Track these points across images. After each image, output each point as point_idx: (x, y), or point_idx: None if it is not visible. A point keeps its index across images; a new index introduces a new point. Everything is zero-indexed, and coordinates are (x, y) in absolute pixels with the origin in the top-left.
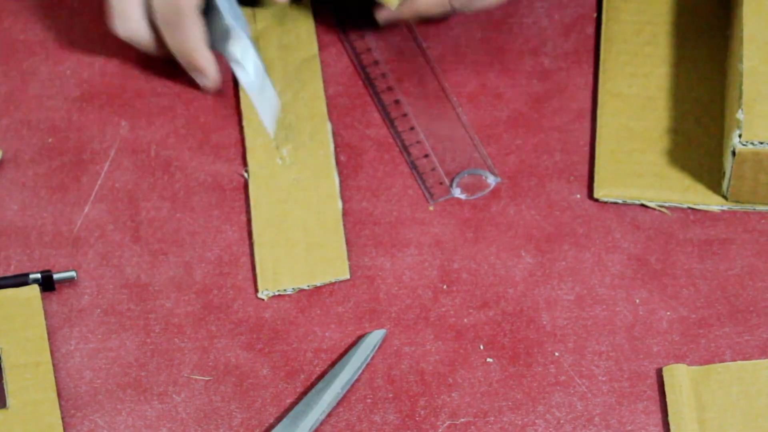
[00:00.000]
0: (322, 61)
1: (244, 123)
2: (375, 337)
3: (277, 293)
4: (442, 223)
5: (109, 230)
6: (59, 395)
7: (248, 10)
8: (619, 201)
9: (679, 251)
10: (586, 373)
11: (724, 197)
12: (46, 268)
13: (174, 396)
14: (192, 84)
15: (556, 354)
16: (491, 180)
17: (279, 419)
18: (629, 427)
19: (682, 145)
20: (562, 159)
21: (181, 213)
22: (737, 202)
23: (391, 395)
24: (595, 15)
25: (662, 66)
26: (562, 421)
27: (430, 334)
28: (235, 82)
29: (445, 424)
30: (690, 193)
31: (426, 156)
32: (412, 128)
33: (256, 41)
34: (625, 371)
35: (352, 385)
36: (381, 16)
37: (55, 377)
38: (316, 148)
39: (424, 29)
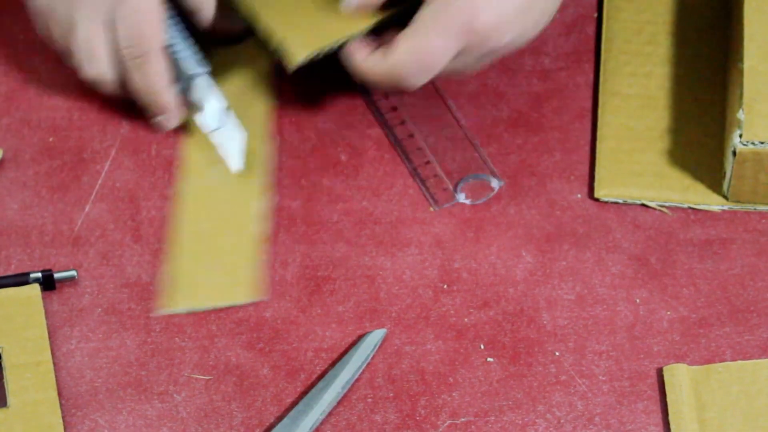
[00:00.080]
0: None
1: (183, 136)
2: (375, 336)
3: (173, 312)
4: (443, 223)
5: (109, 229)
6: (60, 394)
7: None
8: (620, 201)
9: (679, 251)
10: (586, 372)
11: (725, 197)
12: (47, 267)
13: (174, 395)
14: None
15: (557, 353)
16: (495, 184)
17: (279, 418)
18: (629, 427)
19: (682, 144)
20: (563, 158)
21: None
22: (738, 201)
23: (391, 395)
24: (595, 15)
25: (663, 65)
26: (562, 421)
27: (430, 333)
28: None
29: (445, 424)
30: (690, 193)
31: (427, 163)
32: (411, 135)
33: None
34: (626, 371)
35: (353, 385)
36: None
37: (56, 376)
38: (249, 167)
39: None
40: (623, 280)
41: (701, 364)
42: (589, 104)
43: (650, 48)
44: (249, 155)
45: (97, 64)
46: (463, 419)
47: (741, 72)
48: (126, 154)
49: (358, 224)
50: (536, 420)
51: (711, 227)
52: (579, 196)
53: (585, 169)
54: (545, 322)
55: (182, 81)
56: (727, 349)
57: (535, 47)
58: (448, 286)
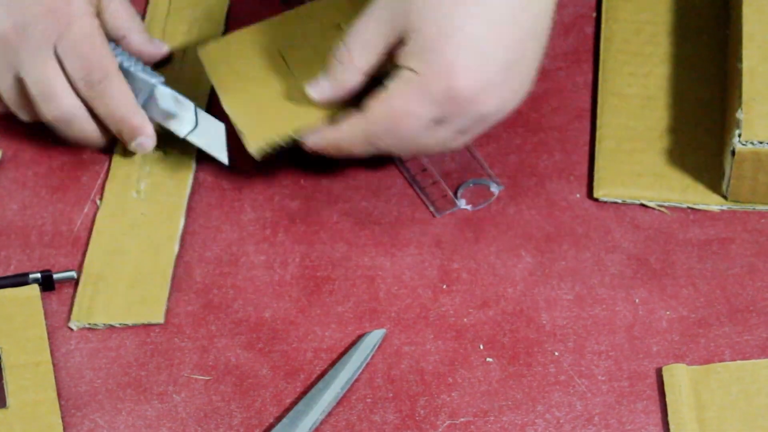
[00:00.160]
0: None
1: (115, 150)
2: (375, 336)
3: (87, 326)
4: (442, 223)
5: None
6: (59, 395)
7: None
8: (619, 201)
9: (678, 251)
10: (585, 372)
11: (724, 197)
12: (46, 267)
13: (174, 395)
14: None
15: (556, 354)
16: (495, 188)
17: (279, 419)
18: (629, 427)
19: (681, 144)
20: (562, 159)
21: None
22: (737, 201)
23: (390, 395)
24: (594, 14)
25: (662, 65)
26: (561, 421)
27: (429, 333)
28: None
29: (445, 424)
30: (690, 193)
31: (424, 170)
32: None
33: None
34: (625, 371)
35: (352, 385)
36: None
37: (55, 377)
38: (174, 187)
39: None
40: (622, 280)
41: (700, 364)
42: (588, 104)
43: (649, 48)
44: (175, 170)
45: (59, 103)
46: (462, 419)
47: (740, 72)
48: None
49: (358, 224)
50: (535, 420)
51: (710, 227)
52: (578, 196)
53: (584, 169)
54: (544, 322)
55: (142, 95)
56: (726, 349)
57: None
58: (447, 286)
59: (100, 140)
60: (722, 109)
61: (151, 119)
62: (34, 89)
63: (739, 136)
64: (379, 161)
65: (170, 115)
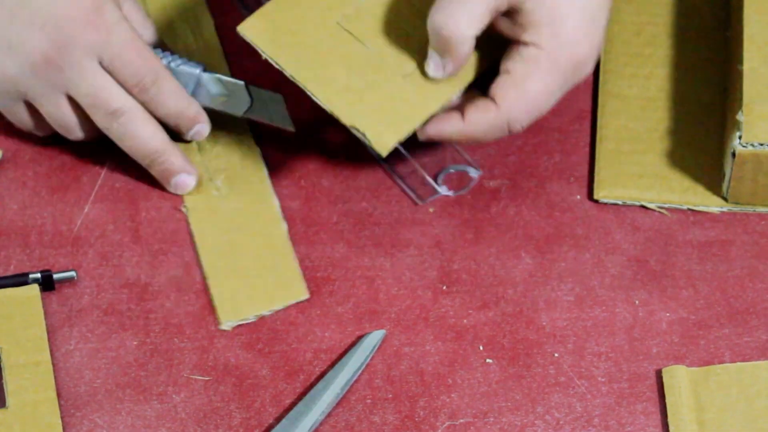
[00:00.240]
0: None
1: None
2: (374, 337)
3: (239, 322)
4: (442, 224)
5: (109, 230)
6: (59, 395)
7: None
8: (619, 202)
9: (678, 253)
10: (585, 374)
11: (724, 199)
12: (46, 267)
13: (173, 396)
14: None
15: (556, 355)
16: (474, 173)
17: (278, 419)
18: (628, 428)
19: (682, 146)
20: (562, 160)
21: (180, 213)
22: (737, 203)
23: (390, 396)
24: None
25: (662, 67)
26: (561, 422)
27: (429, 334)
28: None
29: (444, 425)
30: (690, 195)
31: (402, 160)
32: None
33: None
34: (625, 372)
35: (352, 386)
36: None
37: (55, 377)
38: (249, 173)
39: None
40: (622, 282)
41: (700, 365)
42: (588, 105)
43: (650, 49)
44: (243, 158)
45: (114, 107)
46: (462, 420)
47: (741, 74)
48: (125, 155)
49: (358, 225)
50: (535, 421)
51: (710, 229)
52: (578, 197)
53: (584, 170)
54: (544, 323)
55: (189, 86)
56: (726, 350)
57: None
58: (447, 287)
59: (162, 136)
60: (723, 111)
61: (203, 106)
62: (86, 101)
63: (740, 138)
64: (378, 162)
65: (223, 97)
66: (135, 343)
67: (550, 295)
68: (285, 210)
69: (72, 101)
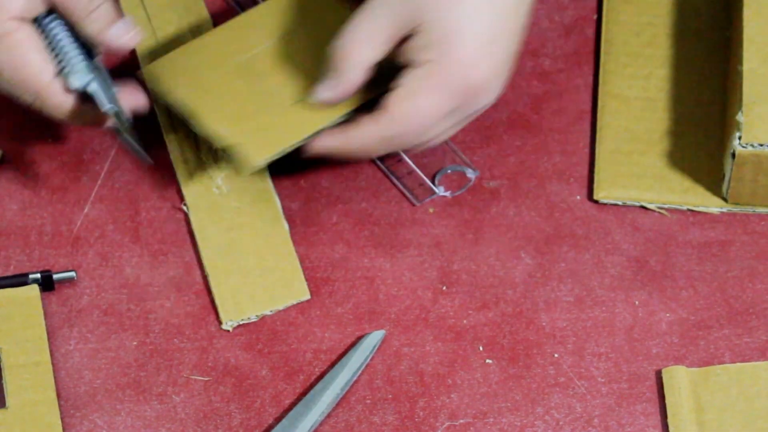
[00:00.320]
0: None
1: (172, 157)
2: (374, 338)
3: (241, 322)
4: (442, 224)
5: (108, 230)
6: (58, 395)
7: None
8: (619, 202)
9: (678, 253)
10: (585, 374)
11: (724, 199)
12: (46, 268)
13: (173, 396)
14: None
15: (556, 355)
16: (471, 174)
17: (278, 420)
18: (628, 429)
19: (682, 146)
20: (562, 160)
21: (180, 213)
22: (737, 204)
23: (390, 396)
24: (595, 16)
25: (662, 67)
26: (561, 423)
27: (429, 335)
28: None
29: (444, 425)
30: (690, 195)
31: (399, 161)
32: None
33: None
34: (625, 373)
35: (352, 386)
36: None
37: (55, 377)
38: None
39: None
40: (622, 282)
41: (700, 366)
42: (588, 106)
43: (650, 50)
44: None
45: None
46: (461, 421)
47: (740, 74)
48: (125, 155)
49: (357, 225)
50: (535, 422)
51: (710, 229)
52: (578, 197)
53: (584, 170)
54: (544, 323)
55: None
56: (725, 351)
57: (535, 49)
58: (447, 287)
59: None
60: (722, 112)
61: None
62: None
63: (740, 138)
64: (376, 163)
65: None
66: (135, 343)
67: (549, 296)
68: (285, 210)
69: None
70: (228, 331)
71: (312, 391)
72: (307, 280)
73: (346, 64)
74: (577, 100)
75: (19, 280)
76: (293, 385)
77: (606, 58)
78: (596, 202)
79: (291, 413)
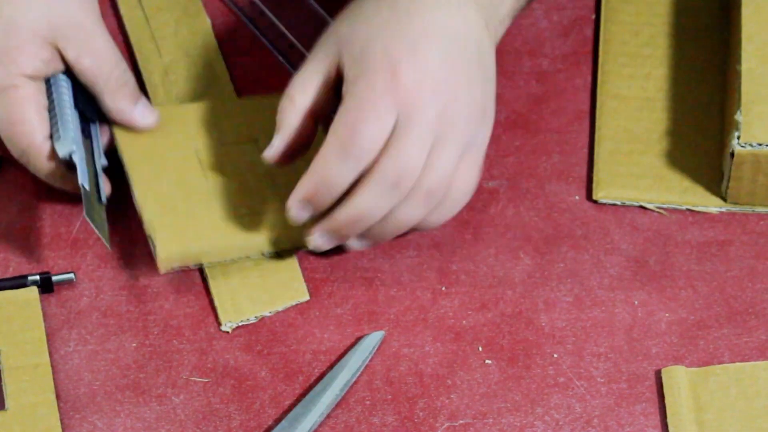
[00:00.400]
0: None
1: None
2: (374, 338)
3: (240, 323)
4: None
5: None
6: (58, 397)
7: (152, 44)
8: (618, 202)
9: (677, 253)
10: (584, 374)
11: (723, 199)
12: (45, 269)
13: (173, 398)
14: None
15: (555, 355)
16: None
17: (278, 421)
18: (628, 429)
19: (680, 146)
20: (561, 160)
21: None
22: (736, 203)
23: (389, 397)
24: (593, 16)
25: (661, 67)
26: (560, 423)
27: (428, 335)
28: None
29: (443, 426)
30: (689, 195)
31: None
32: None
33: (165, 74)
34: (624, 373)
35: (351, 387)
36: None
37: (54, 379)
38: None
39: None
40: (621, 282)
41: (699, 366)
42: (587, 106)
43: (648, 50)
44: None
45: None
46: (461, 421)
47: (739, 74)
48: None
49: None
50: (534, 422)
51: (709, 229)
52: (577, 197)
53: (583, 170)
54: (543, 324)
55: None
56: (725, 351)
57: (533, 49)
58: (446, 288)
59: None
60: (721, 111)
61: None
62: None
63: (738, 138)
64: None
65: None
66: (134, 344)
67: (549, 296)
68: None
69: None
70: (227, 332)
71: (311, 392)
72: (306, 281)
73: (285, 113)
74: (576, 100)
75: (18, 282)
76: (293, 386)
77: (605, 58)
78: (595, 202)
79: (290, 414)
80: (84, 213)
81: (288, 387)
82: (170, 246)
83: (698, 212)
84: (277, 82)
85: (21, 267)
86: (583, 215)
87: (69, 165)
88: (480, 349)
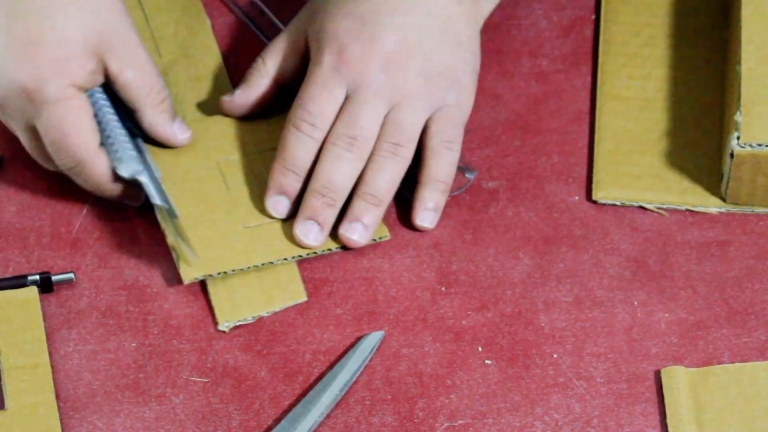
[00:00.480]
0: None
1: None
2: (373, 338)
3: (237, 323)
4: (441, 225)
5: (107, 232)
6: (57, 397)
7: (151, 44)
8: (618, 203)
9: (677, 253)
10: (584, 374)
11: (723, 199)
12: (45, 269)
13: (172, 398)
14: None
15: (555, 356)
16: (469, 175)
17: (277, 421)
18: (627, 429)
19: (680, 147)
20: (561, 161)
21: None
22: (735, 204)
23: (389, 397)
24: (593, 17)
25: (660, 68)
26: (560, 423)
27: (428, 335)
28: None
29: (443, 426)
30: (688, 195)
31: None
32: None
33: (165, 75)
34: (624, 373)
35: (351, 387)
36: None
37: (54, 379)
38: None
39: None
40: (621, 282)
41: (699, 366)
42: (587, 106)
43: (648, 50)
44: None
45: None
46: (460, 421)
47: (739, 74)
48: None
49: None
50: (534, 422)
51: (709, 229)
52: (577, 198)
53: (583, 171)
54: (543, 324)
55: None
56: (724, 351)
57: (533, 49)
58: (446, 288)
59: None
60: (721, 112)
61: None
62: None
63: (738, 138)
64: None
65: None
66: (134, 344)
67: (548, 296)
68: None
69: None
70: (226, 332)
71: (311, 392)
72: (305, 280)
73: (254, 72)
74: (576, 101)
75: (18, 282)
76: (292, 386)
77: (604, 59)
78: (595, 202)
79: (290, 414)
80: (166, 234)
81: (288, 387)
82: (193, 258)
83: (698, 212)
84: None
85: (21, 267)
86: (583, 215)
87: (129, 182)
88: (480, 349)
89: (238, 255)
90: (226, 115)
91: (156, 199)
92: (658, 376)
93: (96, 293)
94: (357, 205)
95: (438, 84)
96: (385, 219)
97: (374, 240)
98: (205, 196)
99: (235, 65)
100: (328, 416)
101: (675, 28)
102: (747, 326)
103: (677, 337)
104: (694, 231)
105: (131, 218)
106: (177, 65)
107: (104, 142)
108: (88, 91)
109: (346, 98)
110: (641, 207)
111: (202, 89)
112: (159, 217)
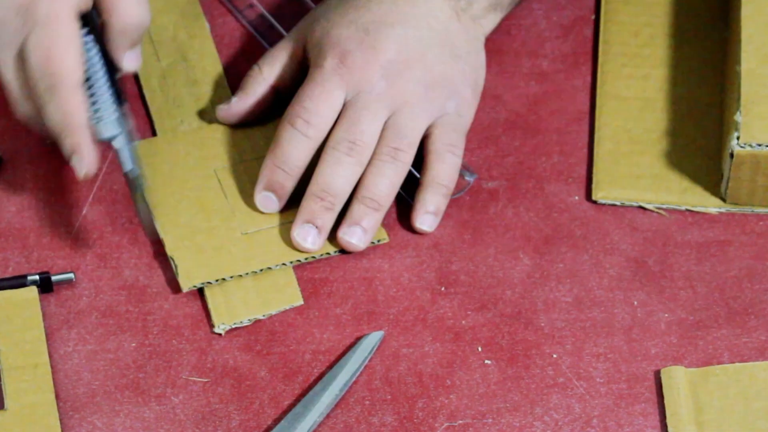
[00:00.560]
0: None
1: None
2: (373, 338)
3: (233, 326)
4: (440, 225)
5: (107, 232)
6: (57, 397)
7: (150, 47)
8: (618, 203)
9: (677, 253)
10: (584, 374)
11: (722, 199)
12: (45, 269)
13: (172, 398)
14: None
15: (554, 356)
16: (468, 177)
17: (277, 421)
18: (627, 429)
19: (680, 147)
20: (561, 161)
21: None
22: (735, 204)
23: (389, 397)
24: (593, 17)
25: (660, 68)
26: (560, 423)
27: (428, 335)
28: None
29: (443, 426)
30: (688, 195)
31: None
32: None
33: (163, 78)
34: (623, 373)
35: (350, 387)
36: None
37: (54, 379)
38: None
39: None
40: (621, 282)
41: (699, 366)
42: (586, 106)
43: (648, 50)
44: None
45: (16, 105)
46: (460, 422)
47: (738, 74)
48: None
49: None
50: (534, 422)
51: (708, 229)
52: (577, 198)
53: (583, 171)
54: (543, 324)
55: (99, 116)
56: (724, 351)
57: (533, 49)
58: (445, 288)
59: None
60: (721, 112)
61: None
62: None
63: (738, 138)
64: None
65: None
66: (133, 344)
67: (548, 296)
68: None
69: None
70: (220, 334)
71: (311, 392)
72: (305, 281)
73: (251, 80)
74: (576, 101)
75: (17, 282)
76: (292, 386)
77: (604, 59)
78: (595, 202)
79: (290, 414)
80: (135, 201)
81: (287, 387)
82: (191, 266)
83: (698, 212)
84: None
85: (20, 266)
86: (583, 215)
87: (104, 142)
88: (479, 349)
89: (237, 261)
90: (222, 123)
91: (126, 166)
92: (657, 376)
93: (96, 293)
94: (356, 209)
95: (438, 93)
96: (385, 219)
97: (373, 243)
98: (202, 204)
99: (234, 69)
100: (327, 416)
101: (675, 28)
102: (747, 326)
103: (677, 337)
104: (694, 231)
105: (131, 219)
106: (175, 68)
107: (89, 98)
108: (85, 47)
109: (346, 104)
110: (641, 207)
111: (201, 93)
112: (130, 187)
